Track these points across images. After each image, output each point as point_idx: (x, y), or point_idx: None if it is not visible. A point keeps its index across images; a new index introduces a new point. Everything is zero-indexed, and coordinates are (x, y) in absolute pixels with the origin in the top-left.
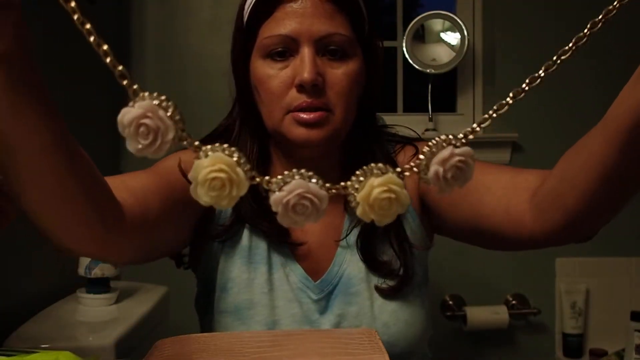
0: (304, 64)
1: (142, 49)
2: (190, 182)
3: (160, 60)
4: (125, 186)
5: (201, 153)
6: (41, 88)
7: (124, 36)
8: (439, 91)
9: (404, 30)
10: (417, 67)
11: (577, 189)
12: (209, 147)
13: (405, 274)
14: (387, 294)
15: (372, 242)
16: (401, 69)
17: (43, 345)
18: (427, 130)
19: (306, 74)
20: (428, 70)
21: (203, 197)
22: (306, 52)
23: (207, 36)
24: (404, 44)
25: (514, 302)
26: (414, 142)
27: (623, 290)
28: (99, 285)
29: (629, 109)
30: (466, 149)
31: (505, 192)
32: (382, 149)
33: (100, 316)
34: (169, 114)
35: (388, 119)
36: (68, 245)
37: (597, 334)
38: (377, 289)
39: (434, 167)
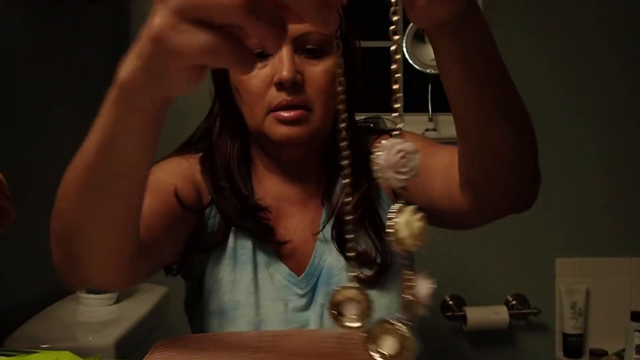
0: (283, 62)
1: None
2: (184, 205)
3: None
4: None
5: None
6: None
7: (124, 36)
8: (439, 91)
9: (404, 31)
10: (417, 67)
11: (464, 159)
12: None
13: (382, 262)
14: (365, 283)
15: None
16: (401, 69)
17: (43, 345)
18: (427, 130)
19: (285, 72)
20: (428, 70)
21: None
22: (284, 50)
23: None
24: (404, 44)
25: (514, 302)
26: (390, 132)
27: (623, 290)
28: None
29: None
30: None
31: (446, 174)
32: (362, 145)
33: (100, 316)
34: None
35: (388, 118)
36: (93, 275)
37: (597, 334)
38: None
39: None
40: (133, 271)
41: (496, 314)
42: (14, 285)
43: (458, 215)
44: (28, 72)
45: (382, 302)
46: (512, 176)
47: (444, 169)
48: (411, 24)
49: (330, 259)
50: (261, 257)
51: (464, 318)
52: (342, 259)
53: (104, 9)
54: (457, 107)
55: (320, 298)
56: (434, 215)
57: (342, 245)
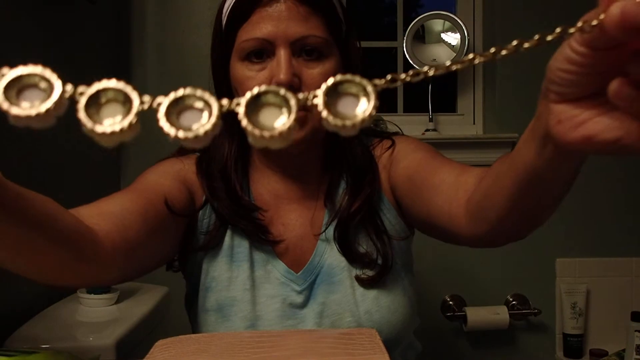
0: (280, 65)
1: (142, 49)
2: (172, 205)
3: (160, 60)
4: (99, 213)
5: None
6: None
7: (124, 36)
8: (439, 91)
9: (405, 31)
10: (417, 67)
11: (496, 207)
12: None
13: (384, 264)
14: (367, 283)
15: (350, 234)
16: (401, 69)
17: (43, 346)
18: (427, 130)
19: (282, 75)
20: None
21: None
22: (282, 53)
23: (207, 36)
24: (404, 44)
25: (514, 302)
26: (391, 136)
27: (623, 290)
28: (100, 286)
29: (523, 165)
30: None
31: (449, 194)
32: (361, 143)
33: (100, 316)
34: None
35: (388, 119)
36: (49, 283)
37: (598, 335)
38: (357, 279)
39: None
40: (104, 269)
41: (496, 314)
42: (14, 285)
43: (455, 234)
44: None
45: (384, 301)
46: (537, 223)
47: (448, 191)
48: (412, 24)
49: (330, 259)
50: (258, 255)
51: (464, 318)
52: (343, 259)
53: (104, 9)
54: (525, 193)
55: (320, 296)
56: (430, 228)
57: (344, 247)
